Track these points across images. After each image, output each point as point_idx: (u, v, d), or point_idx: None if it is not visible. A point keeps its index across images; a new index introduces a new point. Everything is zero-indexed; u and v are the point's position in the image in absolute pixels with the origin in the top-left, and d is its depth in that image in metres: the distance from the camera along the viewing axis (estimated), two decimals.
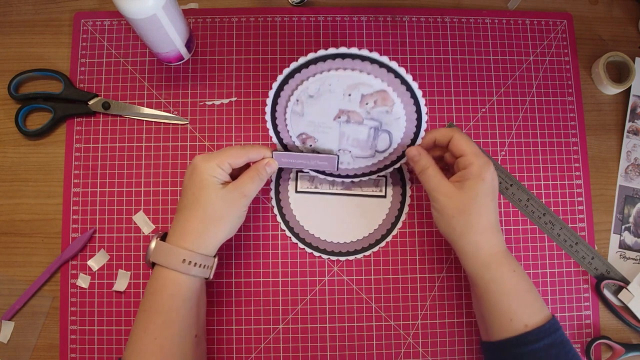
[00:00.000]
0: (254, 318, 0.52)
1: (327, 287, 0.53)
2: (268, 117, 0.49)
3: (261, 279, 0.53)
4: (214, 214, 0.45)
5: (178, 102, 0.56)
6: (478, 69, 0.58)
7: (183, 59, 0.56)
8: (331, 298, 0.53)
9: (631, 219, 0.57)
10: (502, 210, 0.56)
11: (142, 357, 0.42)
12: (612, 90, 0.58)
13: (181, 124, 0.55)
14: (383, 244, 0.53)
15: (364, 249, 0.53)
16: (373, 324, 0.53)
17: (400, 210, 0.54)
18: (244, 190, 0.46)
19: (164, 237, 0.46)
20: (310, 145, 0.50)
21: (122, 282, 0.52)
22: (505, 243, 0.46)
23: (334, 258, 0.53)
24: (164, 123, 0.55)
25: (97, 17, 0.57)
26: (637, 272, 0.55)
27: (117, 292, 0.52)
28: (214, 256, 0.46)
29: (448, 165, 0.50)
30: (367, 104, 0.47)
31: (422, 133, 0.48)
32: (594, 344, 0.53)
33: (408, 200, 0.53)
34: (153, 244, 0.45)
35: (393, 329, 0.53)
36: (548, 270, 0.55)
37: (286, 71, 0.47)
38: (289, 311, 0.53)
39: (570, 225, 0.56)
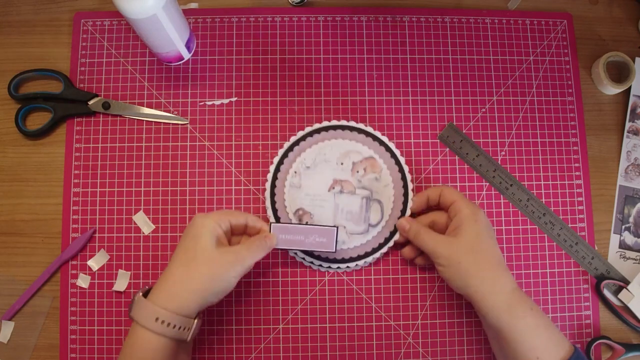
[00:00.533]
0: (254, 318, 0.52)
1: (327, 287, 0.53)
2: (267, 194, 0.53)
3: (261, 279, 0.53)
4: (202, 271, 0.42)
5: (178, 102, 0.56)
6: (478, 69, 0.58)
7: (183, 59, 0.56)
8: (331, 298, 0.53)
9: (631, 219, 0.57)
10: (502, 210, 0.56)
11: None
12: (612, 90, 0.58)
13: (181, 124, 0.55)
14: (385, 249, 0.53)
15: (367, 254, 0.53)
16: (373, 324, 0.53)
17: (402, 217, 0.54)
18: (240, 255, 0.44)
19: (149, 291, 0.44)
20: (307, 223, 0.52)
21: (122, 282, 0.52)
22: (515, 281, 0.46)
23: (334, 266, 0.53)
24: (164, 123, 0.55)
25: (97, 17, 0.57)
26: (637, 272, 0.55)
27: (117, 292, 0.52)
28: (195, 318, 0.43)
29: (440, 227, 0.51)
30: (357, 171, 0.53)
31: (409, 203, 0.53)
32: (594, 344, 0.53)
33: (410, 204, 0.53)
34: (135, 297, 0.43)
35: (393, 329, 0.53)
36: (548, 270, 0.55)
37: (287, 145, 0.54)
38: (289, 311, 0.53)
39: (570, 225, 0.56)
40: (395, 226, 0.53)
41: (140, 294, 0.43)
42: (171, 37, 0.50)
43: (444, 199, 0.50)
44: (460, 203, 0.48)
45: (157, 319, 0.41)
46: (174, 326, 0.41)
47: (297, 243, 0.48)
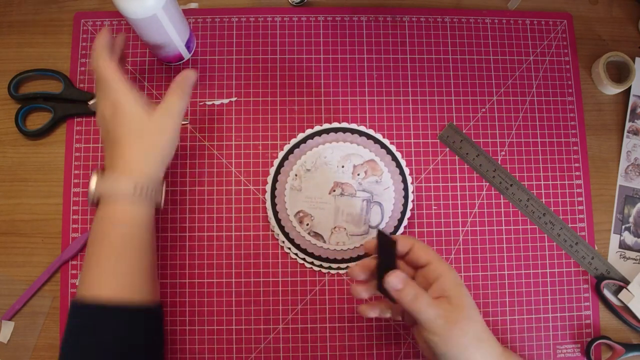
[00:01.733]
0: (254, 318, 0.52)
1: (327, 287, 0.53)
2: (268, 196, 0.53)
3: (261, 279, 0.53)
4: (152, 142, 0.44)
5: None
6: (478, 69, 0.58)
7: (183, 59, 0.56)
8: (331, 298, 0.53)
9: (631, 219, 0.57)
10: (502, 210, 0.56)
11: (98, 291, 0.40)
12: (612, 90, 0.58)
13: (181, 124, 0.55)
14: None
15: (366, 255, 0.53)
16: (373, 324, 0.53)
17: (402, 218, 0.54)
18: (175, 109, 0.45)
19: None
20: (307, 225, 0.52)
21: None
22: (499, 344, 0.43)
23: (334, 266, 0.53)
24: None
25: (97, 17, 0.57)
26: (637, 272, 0.55)
27: None
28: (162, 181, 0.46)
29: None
30: (358, 174, 0.53)
31: (409, 205, 0.53)
32: (594, 344, 0.53)
33: (410, 206, 0.53)
34: (95, 178, 0.43)
35: (393, 329, 0.53)
36: (548, 270, 0.55)
37: (287, 147, 0.53)
38: (288, 311, 0.53)
39: (570, 225, 0.56)
40: (395, 228, 0.53)
41: (95, 176, 0.43)
42: (171, 37, 0.50)
43: (415, 255, 0.43)
44: (439, 267, 0.41)
45: (135, 187, 0.42)
46: (151, 191, 0.43)
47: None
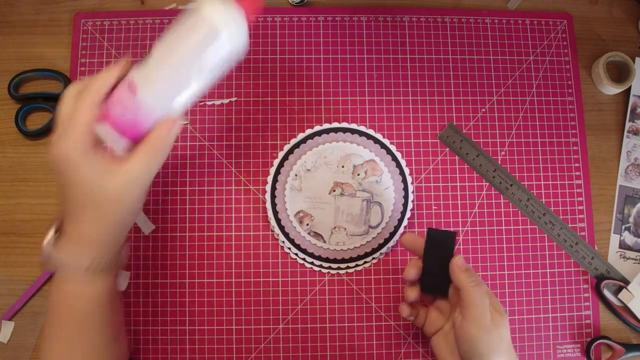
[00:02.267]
0: (254, 318, 0.52)
1: (327, 287, 0.53)
2: (268, 196, 0.53)
3: (261, 279, 0.53)
4: (109, 213, 0.38)
5: None
6: (478, 69, 0.58)
7: None
8: (331, 298, 0.53)
9: (631, 219, 0.57)
10: (502, 210, 0.56)
11: None
12: (612, 90, 0.58)
13: (181, 124, 0.55)
14: (385, 250, 0.53)
15: (366, 255, 0.53)
16: (373, 324, 0.53)
17: (402, 218, 0.54)
18: (137, 181, 0.37)
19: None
20: (308, 225, 0.52)
21: (122, 282, 0.52)
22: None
23: (334, 266, 0.53)
24: None
25: (97, 17, 0.57)
26: (637, 272, 0.55)
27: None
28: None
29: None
30: (358, 174, 0.53)
31: (409, 205, 0.53)
32: (594, 344, 0.53)
33: (410, 206, 0.53)
34: (49, 238, 0.39)
35: (393, 329, 0.53)
36: (548, 270, 0.55)
37: (287, 147, 0.53)
38: (289, 311, 0.53)
39: (570, 225, 0.56)
40: (395, 228, 0.53)
41: (49, 242, 0.39)
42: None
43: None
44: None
45: (90, 262, 0.38)
46: (108, 263, 0.39)
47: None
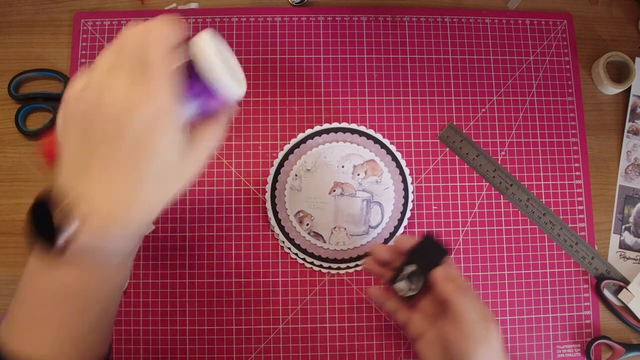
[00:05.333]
0: (254, 318, 0.52)
1: (327, 287, 0.53)
2: (268, 196, 0.53)
3: (261, 279, 0.53)
4: (170, 189, 0.31)
5: None
6: (478, 69, 0.58)
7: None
8: (331, 298, 0.53)
9: (631, 219, 0.57)
10: (502, 210, 0.56)
11: (30, 349, 0.30)
12: (612, 90, 0.58)
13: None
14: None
15: (367, 255, 0.53)
16: (373, 324, 0.53)
17: (402, 218, 0.54)
18: (205, 155, 0.32)
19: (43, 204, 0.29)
20: (308, 225, 0.52)
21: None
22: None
23: (334, 266, 0.53)
24: None
25: (97, 17, 0.57)
26: (637, 272, 0.55)
27: None
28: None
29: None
30: (358, 174, 0.53)
31: (409, 205, 0.53)
32: (594, 344, 0.53)
33: (410, 206, 0.53)
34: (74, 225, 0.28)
35: (393, 329, 0.53)
36: (548, 270, 0.55)
37: (287, 147, 0.53)
38: (288, 311, 0.53)
39: (570, 225, 0.56)
40: (395, 228, 0.53)
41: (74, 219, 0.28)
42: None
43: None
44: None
45: (117, 240, 0.30)
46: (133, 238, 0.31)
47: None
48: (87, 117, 0.28)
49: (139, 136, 0.28)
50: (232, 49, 0.57)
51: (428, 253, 0.42)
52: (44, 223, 0.28)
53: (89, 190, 0.29)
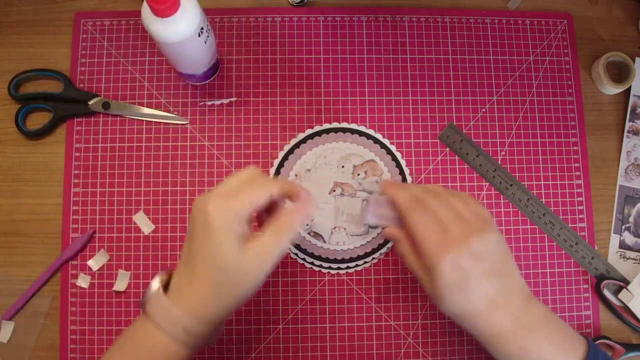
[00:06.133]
0: (254, 318, 0.52)
1: (327, 287, 0.53)
2: None
3: None
4: (234, 291, 0.37)
5: (178, 102, 0.56)
6: (478, 69, 0.58)
7: (207, 80, 0.55)
8: (331, 298, 0.53)
9: (631, 219, 0.57)
10: (502, 210, 0.56)
11: None
12: (612, 90, 0.58)
13: (181, 124, 0.55)
14: (385, 250, 0.53)
15: (366, 255, 0.53)
16: (373, 324, 0.53)
17: None
18: (268, 260, 0.37)
19: (167, 283, 0.39)
20: (307, 225, 0.52)
21: (122, 282, 0.52)
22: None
23: (334, 266, 0.53)
24: (164, 123, 0.55)
25: (97, 17, 0.57)
26: (637, 272, 0.55)
27: (117, 292, 0.52)
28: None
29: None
30: (358, 174, 0.53)
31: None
32: None
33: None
34: (157, 283, 0.38)
35: (393, 329, 0.53)
36: (548, 270, 0.55)
37: (287, 147, 0.54)
38: (288, 311, 0.53)
39: (570, 225, 0.56)
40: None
41: (159, 285, 0.37)
42: (199, 61, 0.50)
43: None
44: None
45: (186, 330, 0.36)
46: (202, 338, 0.37)
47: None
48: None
49: (195, 234, 0.37)
50: (232, 49, 0.57)
51: None
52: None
53: (179, 279, 0.38)
